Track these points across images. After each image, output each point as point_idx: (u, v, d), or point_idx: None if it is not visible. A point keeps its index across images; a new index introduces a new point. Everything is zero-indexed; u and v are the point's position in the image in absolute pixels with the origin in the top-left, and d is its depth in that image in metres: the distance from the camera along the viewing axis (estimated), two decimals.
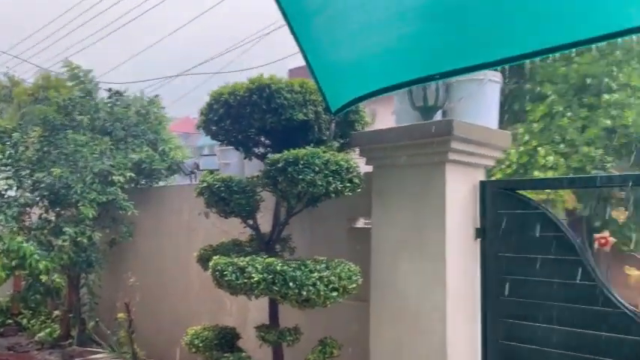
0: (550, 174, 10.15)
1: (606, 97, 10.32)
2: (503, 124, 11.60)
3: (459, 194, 2.77)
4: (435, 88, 2.89)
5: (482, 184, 2.80)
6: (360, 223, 3.43)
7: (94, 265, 5.40)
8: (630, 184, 2.40)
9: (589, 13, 1.89)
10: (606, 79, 10.45)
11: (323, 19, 2.51)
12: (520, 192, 2.71)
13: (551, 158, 10.11)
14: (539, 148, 10.29)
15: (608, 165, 10.39)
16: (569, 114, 10.42)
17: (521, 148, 10.66)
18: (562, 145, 10.24)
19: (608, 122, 10.09)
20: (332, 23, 2.49)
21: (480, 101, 2.87)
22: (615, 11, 1.73)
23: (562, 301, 2.52)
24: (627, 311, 2.31)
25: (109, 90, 6.02)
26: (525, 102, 11.24)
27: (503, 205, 2.73)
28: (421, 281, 2.76)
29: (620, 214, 2.50)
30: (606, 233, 2.39)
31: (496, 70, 2.82)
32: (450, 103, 2.95)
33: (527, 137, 10.68)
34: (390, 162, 2.92)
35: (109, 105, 5.87)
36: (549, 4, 1.94)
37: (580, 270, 2.46)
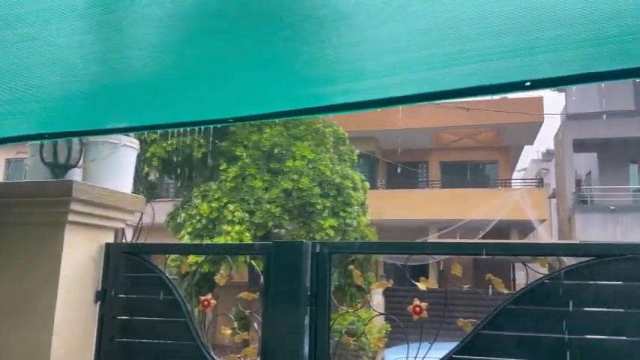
0: (237, 228, 11.06)
1: (289, 164, 11.96)
2: (197, 179, 12.12)
3: (81, 256, 2.71)
4: (67, 146, 2.82)
5: (108, 247, 2.81)
6: None
7: None
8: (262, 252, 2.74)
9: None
10: (291, 149, 12.15)
11: None
12: (144, 256, 2.82)
13: (238, 214, 11.05)
14: (229, 205, 11.14)
15: (285, 222, 11.94)
16: (258, 176, 11.66)
17: (213, 204, 11.37)
18: (251, 203, 11.33)
19: (288, 185, 11.68)
20: None
21: (115, 164, 2.92)
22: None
23: None
24: None
25: None
26: (220, 161, 12.13)
27: (126, 268, 2.78)
28: (25, 350, 2.54)
29: (221, 279, 2.81)
30: (209, 296, 2.65)
31: (129, 135, 2.92)
32: (84, 163, 2.91)
33: (219, 194, 11.47)
34: (4, 219, 2.67)
35: None
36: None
37: (186, 331, 2.65)
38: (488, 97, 17.08)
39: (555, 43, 1.39)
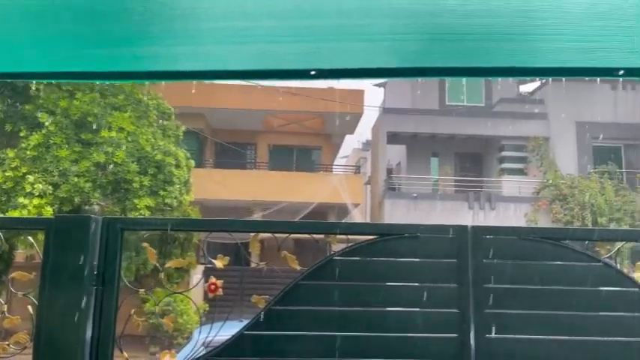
0: (37, 201, 9.86)
1: (103, 135, 10.99)
2: None
3: None
4: None
5: None
6: None
7: None
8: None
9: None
10: (108, 119, 11.16)
11: None
12: None
13: (39, 186, 9.84)
14: (28, 176, 9.86)
15: (96, 199, 11.01)
16: (66, 146, 10.49)
17: (8, 173, 9.94)
18: (55, 175, 10.16)
19: (101, 158, 10.75)
20: None
21: None
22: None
23: None
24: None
25: None
26: (20, 125, 10.64)
27: None
28: None
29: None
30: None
31: None
32: None
33: (16, 163, 10.07)
34: None
35: None
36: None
37: None
38: (315, 85, 17.83)
39: (336, 33, 1.44)
